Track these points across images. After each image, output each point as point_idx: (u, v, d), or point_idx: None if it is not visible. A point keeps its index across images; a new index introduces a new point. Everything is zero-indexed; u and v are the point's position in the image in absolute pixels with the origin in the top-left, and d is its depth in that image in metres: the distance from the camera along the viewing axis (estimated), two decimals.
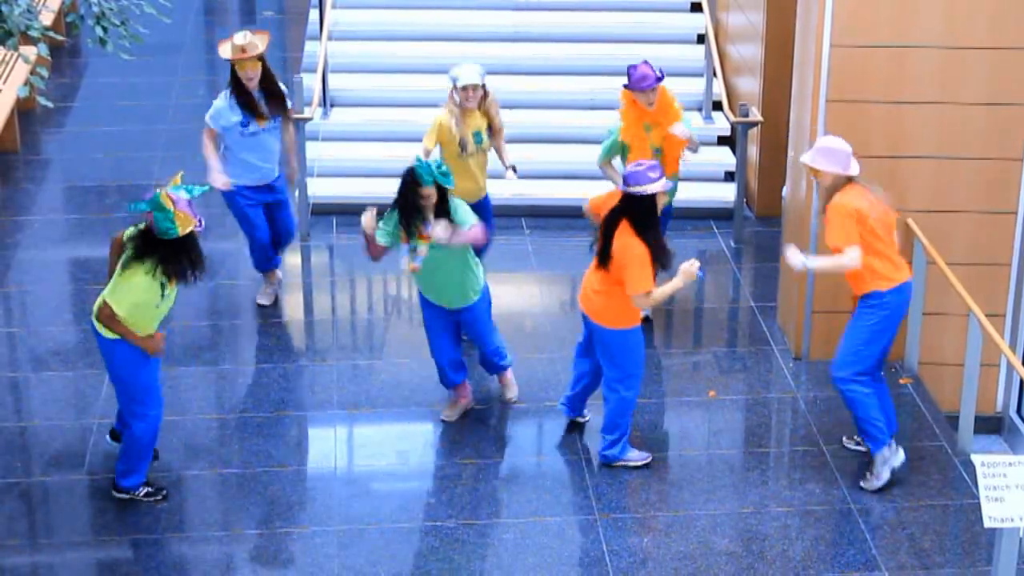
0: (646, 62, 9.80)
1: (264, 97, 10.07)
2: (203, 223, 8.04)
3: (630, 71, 9.81)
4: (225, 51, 9.92)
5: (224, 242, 11.31)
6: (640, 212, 8.34)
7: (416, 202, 8.65)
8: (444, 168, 8.71)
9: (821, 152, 8.44)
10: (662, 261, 8.42)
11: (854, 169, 8.43)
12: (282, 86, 10.29)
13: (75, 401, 9.56)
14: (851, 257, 8.34)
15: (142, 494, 8.55)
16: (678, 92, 10.23)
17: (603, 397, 8.85)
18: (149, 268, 7.91)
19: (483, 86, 9.85)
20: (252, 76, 9.93)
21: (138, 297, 7.96)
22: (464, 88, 9.76)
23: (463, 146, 9.84)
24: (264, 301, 10.76)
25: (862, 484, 8.77)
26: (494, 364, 9.44)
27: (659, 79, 9.75)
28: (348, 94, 13.29)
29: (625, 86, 9.84)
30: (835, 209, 8.36)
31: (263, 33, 10.07)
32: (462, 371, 9.36)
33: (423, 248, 8.78)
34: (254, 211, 10.36)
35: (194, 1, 17.05)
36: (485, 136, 9.95)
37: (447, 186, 8.71)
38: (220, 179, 10.06)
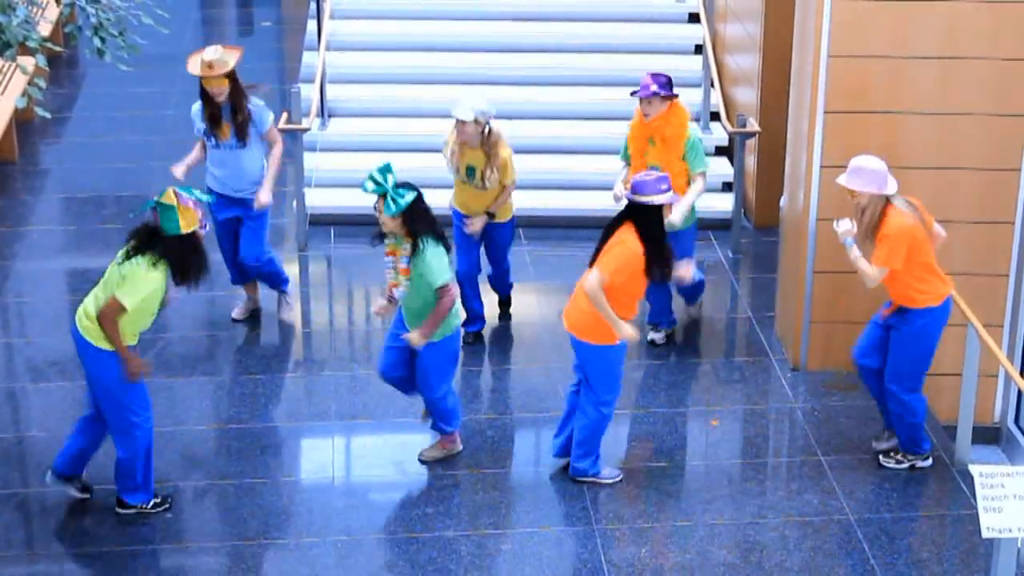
0: (651, 73, 9.77)
1: (231, 114, 9.94)
2: (207, 227, 8.10)
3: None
4: (193, 67, 9.84)
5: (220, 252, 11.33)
6: (645, 220, 8.32)
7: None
8: (401, 191, 8.20)
9: (856, 172, 8.43)
10: (659, 271, 8.40)
11: (891, 187, 8.43)
12: (255, 107, 9.99)
13: (72, 412, 9.54)
14: (876, 276, 8.47)
15: (150, 507, 8.51)
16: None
17: (580, 412, 8.76)
18: (153, 260, 7.93)
19: (485, 125, 9.65)
20: (219, 92, 9.86)
21: (148, 291, 7.93)
22: (457, 120, 9.67)
23: (455, 169, 9.88)
24: (235, 315, 10.68)
25: (881, 453, 9.09)
26: (434, 420, 9.00)
27: (656, 92, 9.71)
28: (346, 104, 13.29)
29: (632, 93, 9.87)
30: (896, 235, 8.40)
31: (235, 49, 9.96)
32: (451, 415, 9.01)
33: (402, 281, 8.45)
34: (218, 223, 10.30)
35: (192, 12, 17.08)
36: (478, 175, 9.78)
37: (392, 211, 8.21)
38: (177, 169, 10.11)
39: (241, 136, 9.99)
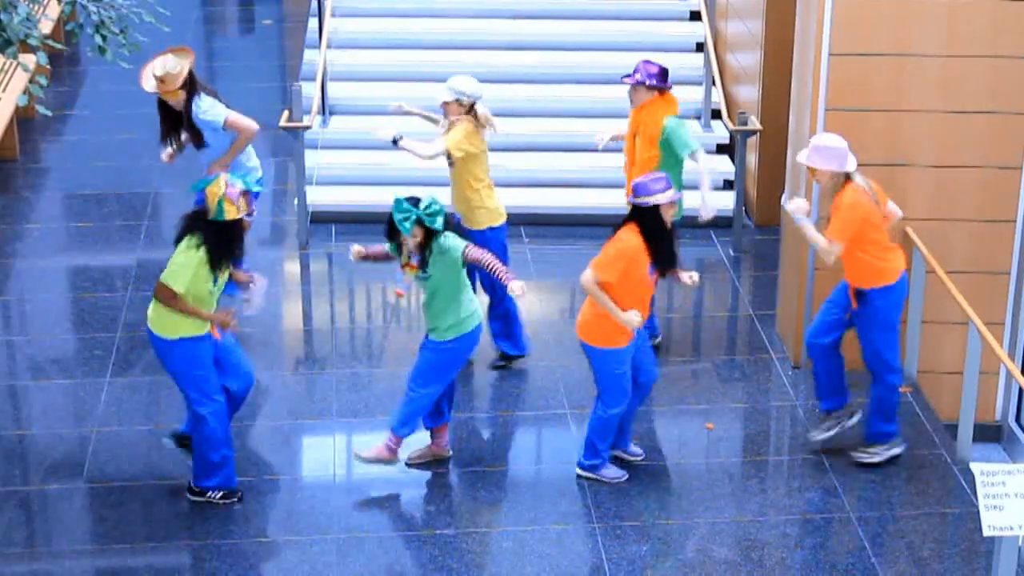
0: (644, 61, 9.79)
1: (185, 122, 9.91)
2: (253, 215, 8.24)
3: None
4: (147, 83, 9.74)
5: None
6: (645, 219, 8.37)
7: (393, 231, 8.41)
8: (433, 207, 8.27)
9: (817, 150, 8.54)
10: (663, 266, 8.46)
11: (851, 164, 8.50)
12: (198, 117, 9.83)
13: (74, 409, 9.56)
14: (833, 251, 8.54)
15: (218, 496, 8.56)
16: (678, 100, 10.13)
17: (592, 412, 8.79)
18: (194, 243, 8.08)
19: (454, 103, 9.55)
20: (176, 104, 9.86)
21: (192, 271, 8.06)
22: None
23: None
24: None
25: (855, 454, 9.06)
26: (393, 418, 8.80)
27: (640, 81, 9.71)
28: (347, 102, 13.29)
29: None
30: (850, 207, 8.48)
31: (185, 51, 9.84)
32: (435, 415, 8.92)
33: (406, 276, 8.56)
34: None
35: (193, 10, 17.07)
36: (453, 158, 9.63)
37: (432, 225, 8.27)
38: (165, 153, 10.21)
39: (198, 142, 10.00)
